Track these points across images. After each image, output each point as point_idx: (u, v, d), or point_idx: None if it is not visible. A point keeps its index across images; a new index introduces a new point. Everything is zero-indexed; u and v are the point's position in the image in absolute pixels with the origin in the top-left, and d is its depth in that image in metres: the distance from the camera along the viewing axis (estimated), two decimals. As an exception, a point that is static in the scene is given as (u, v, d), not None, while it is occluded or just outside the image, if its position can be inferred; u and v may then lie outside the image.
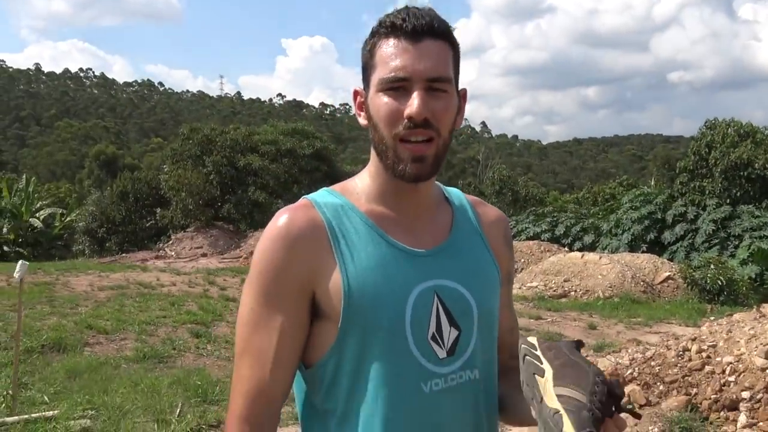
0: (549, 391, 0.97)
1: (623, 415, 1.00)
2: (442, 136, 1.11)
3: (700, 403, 5.30)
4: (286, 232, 1.12)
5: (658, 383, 5.62)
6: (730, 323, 6.49)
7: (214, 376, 6.15)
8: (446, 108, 1.11)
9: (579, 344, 1.06)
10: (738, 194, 21.63)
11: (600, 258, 15.21)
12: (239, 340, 1.15)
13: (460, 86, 1.18)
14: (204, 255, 25.72)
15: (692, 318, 10.60)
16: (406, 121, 1.08)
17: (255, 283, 1.13)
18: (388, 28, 1.11)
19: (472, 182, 39.14)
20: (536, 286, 14.32)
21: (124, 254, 27.19)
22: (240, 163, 29.91)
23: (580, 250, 19.11)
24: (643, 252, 18.59)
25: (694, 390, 5.49)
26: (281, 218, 1.14)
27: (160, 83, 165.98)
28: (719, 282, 13.57)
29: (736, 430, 4.94)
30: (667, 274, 14.81)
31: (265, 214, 29.24)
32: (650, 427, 4.95)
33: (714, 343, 5.90)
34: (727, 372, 5.38)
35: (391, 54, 1.09)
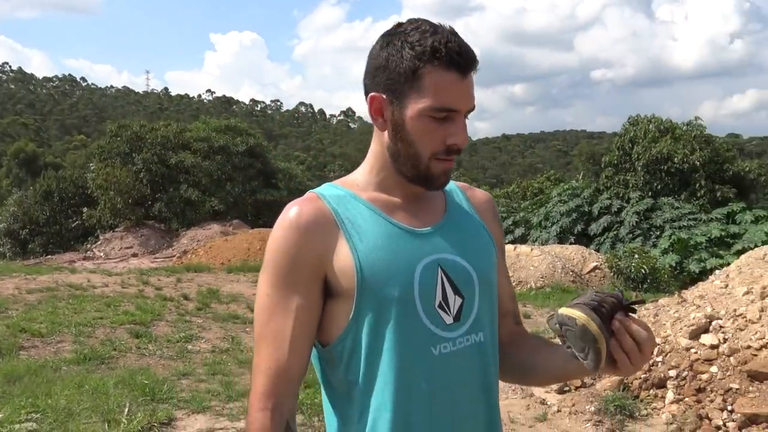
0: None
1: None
2: None
3: (631, 383, 5.63)
4: (297, 222, 1.22)
5: (592, 366, 5.92)
6: (657, 308, 6.89)
7: (160, 375, 6.10)
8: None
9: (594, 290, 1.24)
10: (659, 187, 22.70)
11: (531, 250, 15.70)
12: (258, 325, 1.25)
13: None
14: (135, 255, 25.11)
15: (619, 305, 11.10)
16: (446, 146, 1.22)
17: (270, 272, 1.23)
18: (443, 58, 1.19)
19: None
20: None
21: (49, 256, 26.27)
22: (171, 160, 29.32)
23: (511, 242, 19.66)
24: (571, 243, 19.30)
25: (626, 371, 5.82)
26: (291, 210, 1.24)
27: (83, 78, 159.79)
28: (643, 270, 14.29)
29: (664, 405, 5.28)
30: (595, 264, 15.45)
31: (198, 212, 28.77)
32: (587, 407, 5.23)
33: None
34: (654, 353, 5.73)
35: (445, 85, 1.19)
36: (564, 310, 1.16)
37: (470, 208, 1.40)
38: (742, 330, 5.55)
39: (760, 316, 5.59)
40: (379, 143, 1.30)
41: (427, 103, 1.20)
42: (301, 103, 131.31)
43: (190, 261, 20.04)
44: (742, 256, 9.69)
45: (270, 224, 27.28)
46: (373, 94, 1.26)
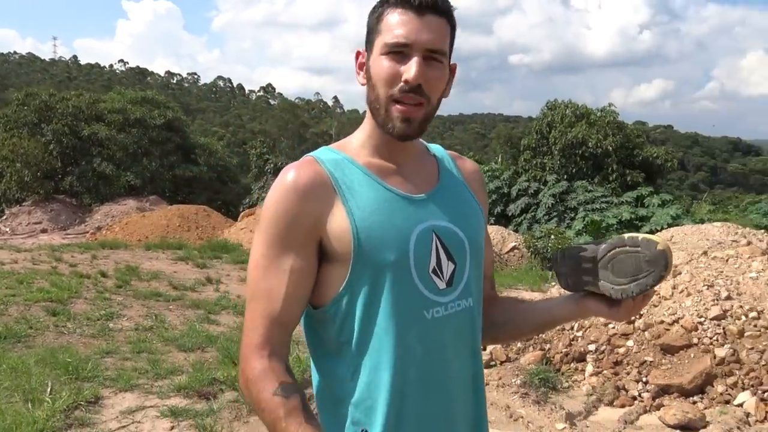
0: (600, 245, 1.30)
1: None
2: (431, 103, 1.26)
3: (553, 357, 5.89)
4: (294, 185, 1.23)
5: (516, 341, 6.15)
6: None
7: (82, 354, 5.90)
8: (439, 77, 1.25)
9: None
10: (574, 170, 23.56)
11: (454, 230, 15.98)
12: (251, 284, 1.26)
13: (452, 62, 1.32)
14: (44, 231, 23.99)
15: (536, 284, 11.50)
16: (402, 84, 1.21)
17: (265, 231, 1.25)
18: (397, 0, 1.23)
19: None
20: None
21: (-52, 231, 24.71)
22: (84, 132, 28.05)
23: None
24: (491, 224, 19.80)
25: (548, 345, 6.07)
26: (289, 173, 1.25)
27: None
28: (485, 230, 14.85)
29: (584, 378, 5.55)
30: (513, 244, 15.92)
31: (112, 186, 27.72)
32: (513, 380, 5.43)
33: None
34: (575, 328, 6.00)
35: (397, 22, 1.22)
36: (636, 234, 1.23)
37: (460, 176, 1.43)
38: (656, 306, 5.89)
39: (672, 293, 5.94)
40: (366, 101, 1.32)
41: (382, 41, 1.23)
42: (220, 77, 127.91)
43: (105, 237, 19.33)
44: (652, 238, 10.18)
45: (189, 200, 26.87)
46: (357, 50, 1.31)
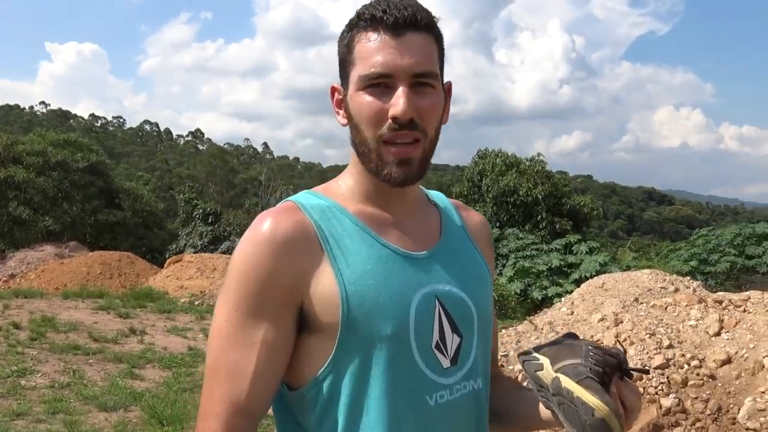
0: (549, 371, 1.00)
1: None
2: (429, 136, 1.06)
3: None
4: (272, 237, 1.01)
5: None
6: (518, 334, 7.12)
7: None
8: (433, 105, 1.05)
9: (571, 335, 1.08)
10: (505, 218, 23.97)
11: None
12: (211, 356, 1.03)
13: (445, 79, 1.12)
14: (-49, 278, 22.42)
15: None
16: (390, 121, 1.01)
17: (233, 293, 1.01)
18: (367, 20, 1.03)
19: (259, 202, 38.76)
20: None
21: None
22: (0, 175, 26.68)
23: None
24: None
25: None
26: (265, 222, 1.03)
27: None
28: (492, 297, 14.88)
29: None
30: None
31: (29, 232, 26.39)
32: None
33: (506, 352, 6.41)
34: (519, 378, 5.88)
35: (372, 49, 1.02)
36: (573, 388, 0.96)
37: (466, 230, 1.22)
38: (599, 355, 5.84)
39: (615, 343, 5.90)
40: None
41: (357, 73, 1.04)
42: (146, 121, 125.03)
43: (19, 285, 18.22)
44: (583, 285, 10.32)
45: (112, 246, 25.85)
46: (332, 85, 1.11)
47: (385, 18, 1.01)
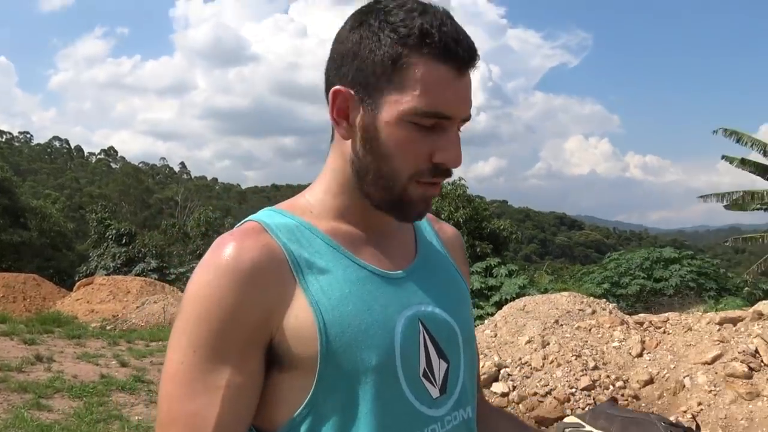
0: None
1: None
2: None
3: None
4: (236, 265, 0.87)
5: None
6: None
7: None
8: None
9: (614, 401, 1.00)
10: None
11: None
12: (165, 405, 0.87)
13: None
14: None
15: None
16: (431, 165, 0.91)
17: (191, 331, 0.87)
18: (436, 45, 0.89)
19: (176, 223, 37.67)
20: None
21: None
22: None
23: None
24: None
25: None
26: (227, 247, 0.89)
27: None
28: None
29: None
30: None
31: None
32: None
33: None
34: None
35: (437, 83, 0.89)
36: None
37: (440, 245, 1.11)
38: (528, 377, 5.89)
39: (543, 364, 5.98)
40: (339, 156, 0.98)
41: (412, 104, 0.89)
42: (56, 138, 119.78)
43: None
44: (505, 307, 10.48)
45: (16, 268, 24.44)
46: (337, 88, 0.93)
47: (459, 52, 0.90)
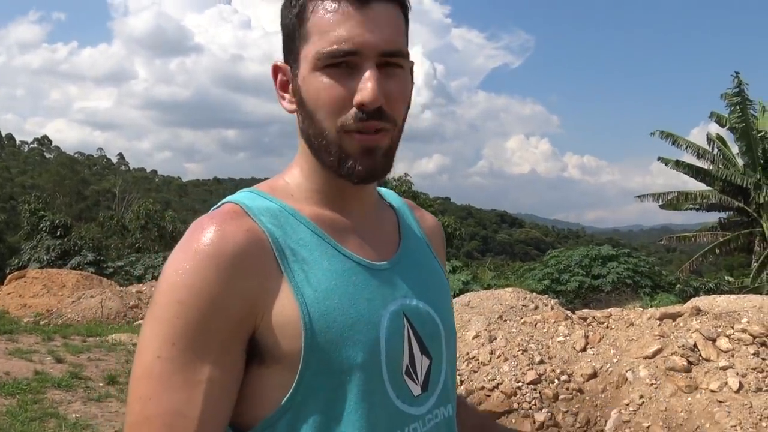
0: None
1: None
2: (397, 126, 0.90)
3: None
4: (218, 251, 0.82)
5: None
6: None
7: None
8: (402, 90, 0.90)
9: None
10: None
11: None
12: (138, 403, 0.80)
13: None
14: None
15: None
16: (355, 109, 0.85)
17: (169, 322, 0.80)
18: None
19: (114, 215, 36.59)
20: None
21: None
22: None
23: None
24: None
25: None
26: (207, 231, 0.83)
27: None
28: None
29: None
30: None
31: None
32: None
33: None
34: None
35: (333, 21, 0.85)
36: None
37: (422, 234, 1.07)
38: (475, 372, 5.93)
39: (491, 359, 6.04)
40: (299, 133, 0.95)
41: (314, 49, 0.86)
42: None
43: None
44: (450, 303, 10.58)
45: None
46: (274, 63, 0.94)
47: None
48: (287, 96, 0.93)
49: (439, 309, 0.98)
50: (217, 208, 0.90)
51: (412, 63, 0.97)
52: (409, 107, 0.94)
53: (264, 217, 0.87)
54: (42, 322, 14.72)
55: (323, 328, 0.83)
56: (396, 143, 0.91)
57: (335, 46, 0.84)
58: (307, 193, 0.94)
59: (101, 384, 7.99)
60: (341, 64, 0.85)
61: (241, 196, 0.92)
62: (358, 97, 0.85)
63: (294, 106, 0.92)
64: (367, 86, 0.84)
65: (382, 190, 1.10)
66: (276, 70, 0.94)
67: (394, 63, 0.88)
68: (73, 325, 14.21)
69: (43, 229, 26.92)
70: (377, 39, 0.85)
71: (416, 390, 0.91)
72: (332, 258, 0.89)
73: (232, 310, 0.81)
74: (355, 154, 0.87)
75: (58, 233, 26.52)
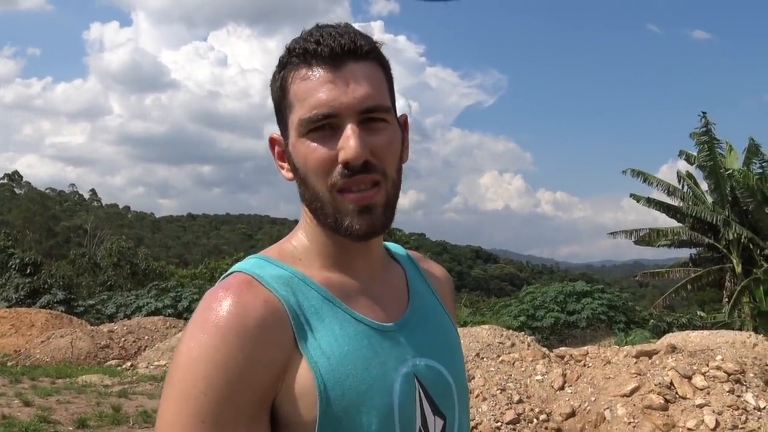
0: None
1: None
2: (390, 177, 0.91)
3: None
4: (240, 322, 0.82)
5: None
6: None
7: None
8: (389, 142, 0.91)
9: None
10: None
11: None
12: None
13: (398, 112, 0.99)
14: None
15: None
16: (340, 167, 0.87)
17: (196, 398, 0.79)
18: (299, 56, 0.90)
19: (86, 253, 36.00)
20: (164, 365, 13.62)
21: None
22: None
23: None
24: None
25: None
26: (225, 302, 0.84)
27: None
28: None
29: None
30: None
31: None
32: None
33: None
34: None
35: (310, 87, 0.88)
36: None
37: (429, 287, 1.08)
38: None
39: (469, 398, 6.04)
40: (300, 197, 0.97)
41: (297, 117, 0.90)
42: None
43: None
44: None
45: None
46: (270, 136, 0.99)
47: (319, 49, 0.89)
48: (285, 165, 0.96)
49: (450, 366, 0.99)
50: (225, 277, 0.91)
51: (404, 116, 1.00)
52: (403, 160, 0.97)
53: (277, 286, 0.88)
54: (9, 363, 14.35)
55: (338, 395, 0.84)
56: (393, 196, 0.93)
57: (314, 111, 0.88)
58: (314, 256, 0.95)
59: (71, 428, 7.79)
60: (324, 127, 0.88)
61: (250, 264, 0.92)
62: (341, 155, 0.87)
63: (291, 175, 0.95)
64: (348, 144, 0.87)
65: (389, 244, 1.11)
66: (272, 142, 0.98)
67: (375, 118, 0.90)
68: (42, 366, 13.88)
69: (12, 266, 26.37)
70: (351, 99, 0.88)
71: None
72: (344, 322, 0.89)
73: (258, 382, 0.81)
74: (350, 212, 0.89)
75: (28, 271, 26.00)
